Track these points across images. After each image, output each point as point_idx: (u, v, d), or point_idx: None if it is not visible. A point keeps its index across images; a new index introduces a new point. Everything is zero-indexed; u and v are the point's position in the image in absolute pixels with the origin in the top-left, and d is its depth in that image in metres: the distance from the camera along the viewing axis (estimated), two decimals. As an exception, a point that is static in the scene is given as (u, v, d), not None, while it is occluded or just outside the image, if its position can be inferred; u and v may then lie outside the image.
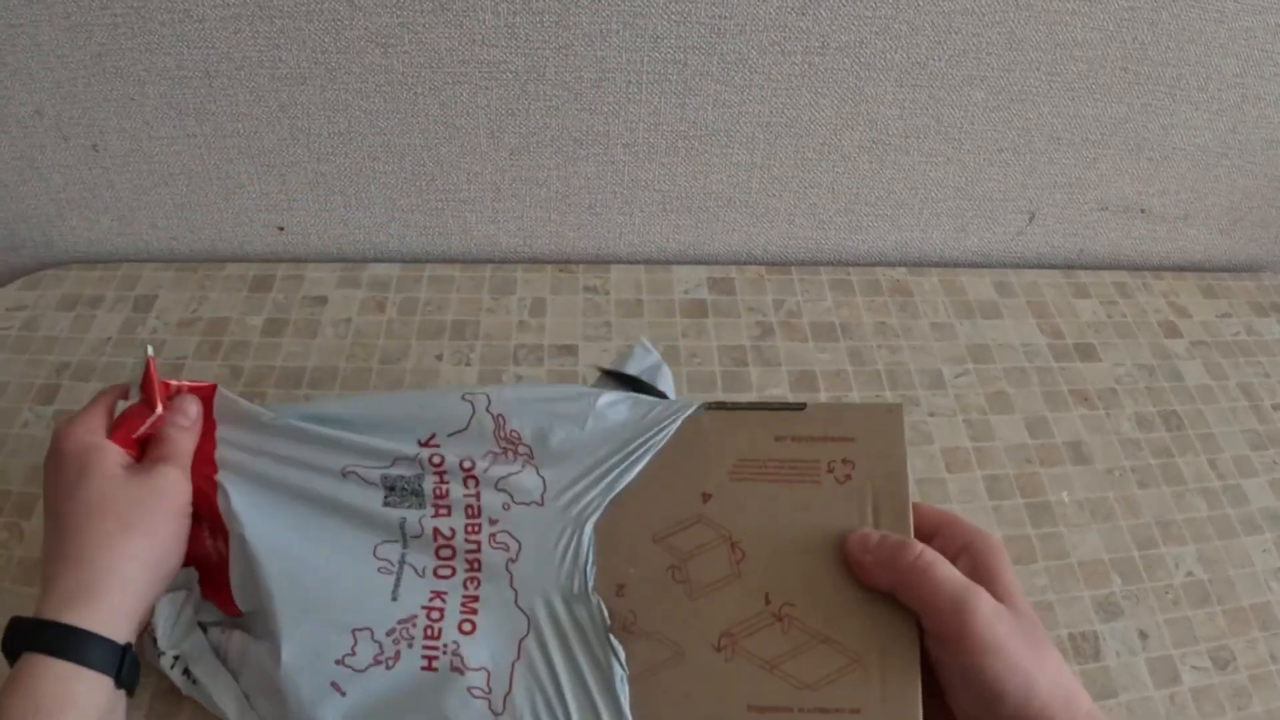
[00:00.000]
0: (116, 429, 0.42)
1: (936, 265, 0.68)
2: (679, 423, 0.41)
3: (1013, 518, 0.54)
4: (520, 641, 0.38)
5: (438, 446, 0.41)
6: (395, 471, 0.41)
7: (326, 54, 0.55)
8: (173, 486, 0.40)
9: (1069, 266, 0.69)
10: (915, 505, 0.41)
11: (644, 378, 0.49)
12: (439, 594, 0.39)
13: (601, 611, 0.38)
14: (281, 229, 0.63)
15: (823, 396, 0.58)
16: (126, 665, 0.37)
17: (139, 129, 0.59)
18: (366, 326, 0.59)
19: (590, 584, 0.39)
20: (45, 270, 0.64)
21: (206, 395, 0.43)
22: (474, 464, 0.41)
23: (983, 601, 0.35)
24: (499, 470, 0.41)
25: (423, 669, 0.38)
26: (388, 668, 0.38)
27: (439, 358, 0.58)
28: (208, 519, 0.42)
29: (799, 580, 0.38)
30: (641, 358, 0.50)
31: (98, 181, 0.62)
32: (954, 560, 0.38)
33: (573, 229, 0.63)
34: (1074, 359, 0.62)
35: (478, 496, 0.40)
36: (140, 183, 0.61)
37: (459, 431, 0.41)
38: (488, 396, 0.42)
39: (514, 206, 0.62)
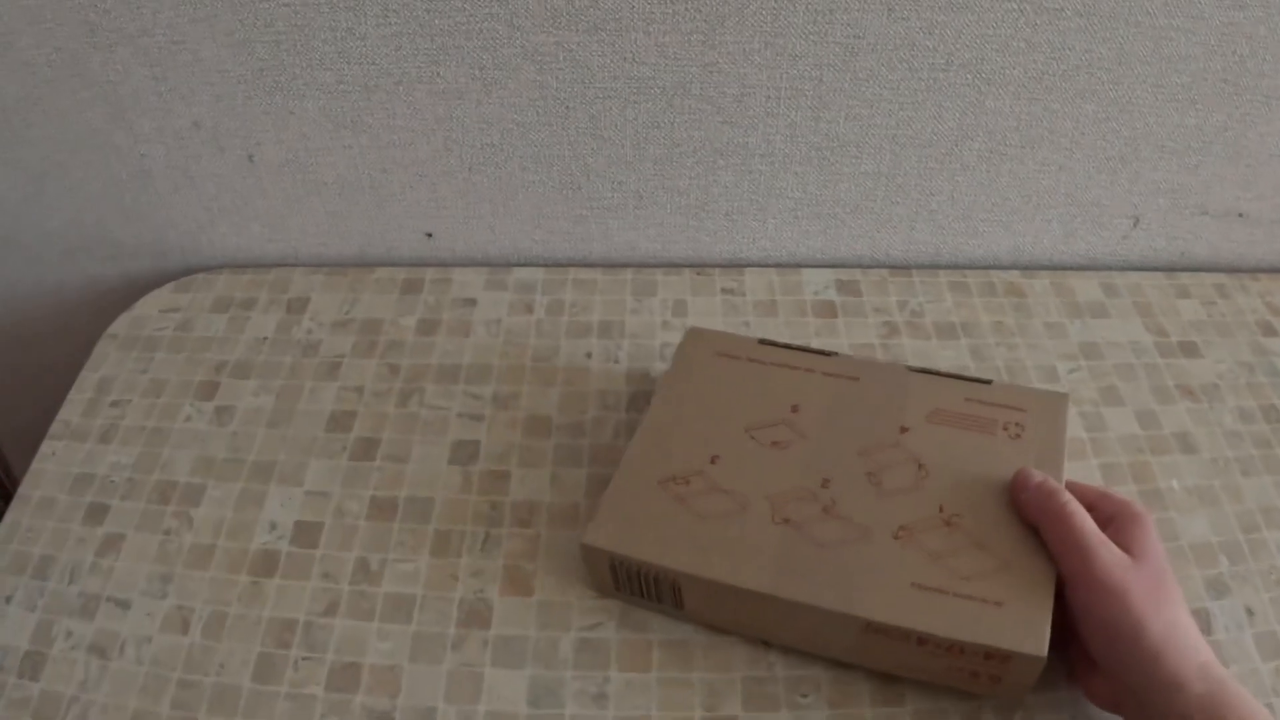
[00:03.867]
0: None
1: (1046, 268, 0.75)
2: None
3: (1129, 503, 0.62)
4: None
5: None
6: None
7: (484, 70, 0.63)
8: None
9: (1171, 269, 0.76)
10: (1073, 483, 0.50)
11: None
12: None
13: None
14: (430, 235, 0.70)
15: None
16: None
17: (295, 140, 0.67)
18: (516, 326, 0.67)
19: None
20: (195, 274, 0.71)
21: None
22: None
23: (1106, 549, 0.44)
24: None
25: None
26: None
27: (588, 355, 0.66)
28: None
29: (968, 500, 0.50)
30: None
31: (251, 190, 0.69)
32: (1104, 526, 0.46)
33: (709, 234, 0.71)
34: (1178, 356, 0.69)
35: None
36: (293, 191, 0.69)
37: None
38: None
39: (654, 214, 0.70)
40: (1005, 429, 0.54)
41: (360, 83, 0.64)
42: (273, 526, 0.58)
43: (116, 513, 0.59)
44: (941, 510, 0.50)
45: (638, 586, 0.51)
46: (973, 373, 0.67)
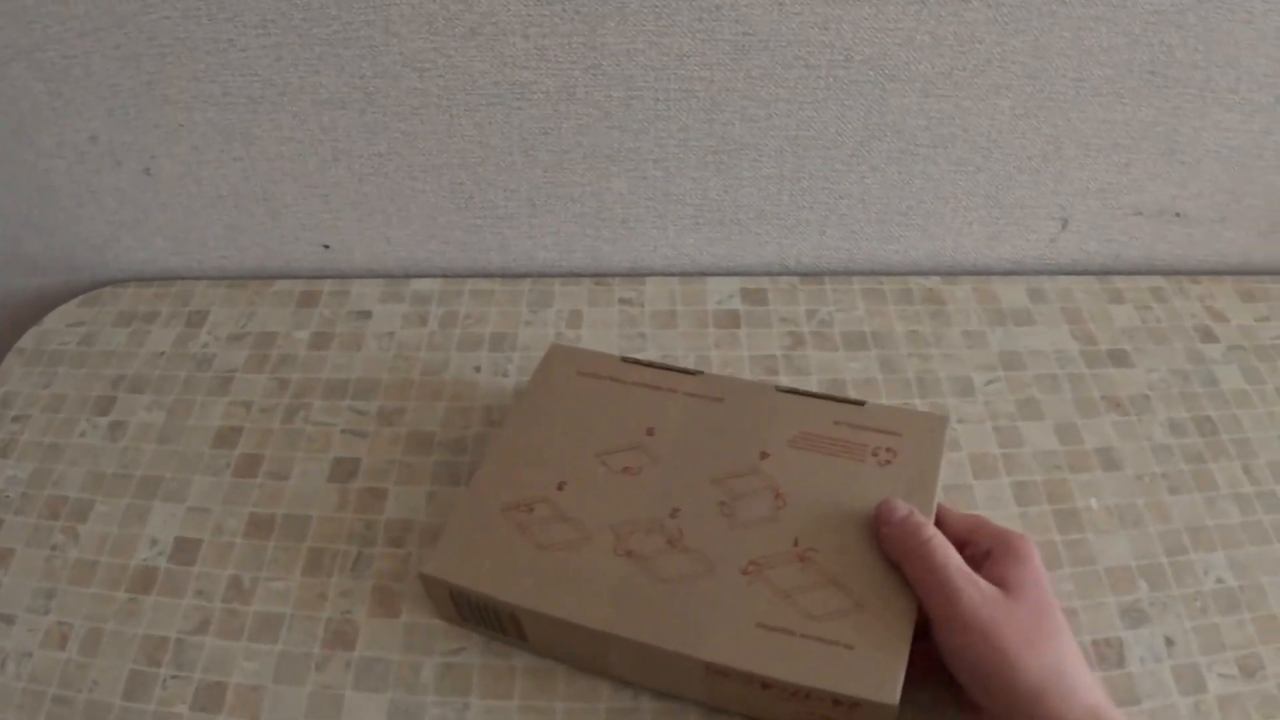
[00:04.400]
0: None
1: (970, 273, 0.72)
2: None
3: (1039, 524, 0.58)
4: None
5: None
6: None
7: (364, 79, 0.62)
8: None
9: (1105, 273, 0.73)
10: (949, 512, 0.48)
11: None
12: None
13: None
14: (327, 247, 0.70)
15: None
16: None
17: (188, 153, 0.66)
18: (409, 339, 0.66)
19: None
20: (103, 288, 0.72)
21: None
22: None
23: (973, 587, 0.42)
24: None
25: None
26: None
27: (477, 369, 0.64)
28: None
29: (826, 532, 0.48)
30: None
31: (150, 204, 0.69)
32: (981, 562, 0.44)
33: (607, 243, 0.69)
34: (1107, 365, 0.66)
35: None
36: (191, 204, 0.69)
37: None
38: None
39: (550, 222, 0.68)
40: (875, 455, 0.51)
41: (245, 94, 0.63)
42: (154, 543, 0.57)
43: (9, 528, 0.59)
44: (796, 544, 0.47)
45: (480, 618, 0.50)
46: (880, 386, 0.64)
